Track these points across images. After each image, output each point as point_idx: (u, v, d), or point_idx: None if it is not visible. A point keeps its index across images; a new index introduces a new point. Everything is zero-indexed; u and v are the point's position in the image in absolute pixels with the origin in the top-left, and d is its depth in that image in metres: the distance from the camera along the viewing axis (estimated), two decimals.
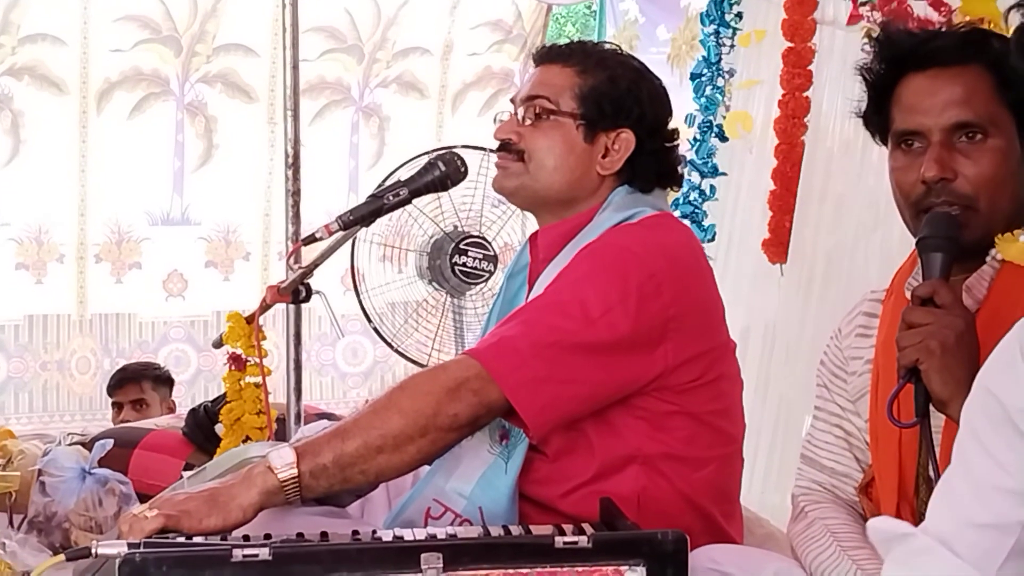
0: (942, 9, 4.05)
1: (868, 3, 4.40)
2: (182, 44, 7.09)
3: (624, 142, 2.95)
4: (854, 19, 4.49)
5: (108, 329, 7.29)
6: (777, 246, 5.25)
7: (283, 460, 2.55)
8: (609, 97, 2.95)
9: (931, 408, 2.28)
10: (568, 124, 2.95)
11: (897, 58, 2.54)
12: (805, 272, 5.18)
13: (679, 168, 3.08)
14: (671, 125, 3.06)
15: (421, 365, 4.61)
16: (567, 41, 3.19)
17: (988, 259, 2.45)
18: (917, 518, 2.47)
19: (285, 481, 2.54)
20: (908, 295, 2.51)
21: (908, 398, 2.29)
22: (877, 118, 2.60)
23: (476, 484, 2.85)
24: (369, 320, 4.64)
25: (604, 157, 2.95)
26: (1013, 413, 1.79)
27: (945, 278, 2.33)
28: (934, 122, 2.46)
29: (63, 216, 7.10)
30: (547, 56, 3.06)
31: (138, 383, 6.21)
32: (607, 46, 3.14)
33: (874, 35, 2.63)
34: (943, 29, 2.63)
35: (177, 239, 7.40)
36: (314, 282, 3.84)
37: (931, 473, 2.31)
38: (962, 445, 1.86)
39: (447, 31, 7.60)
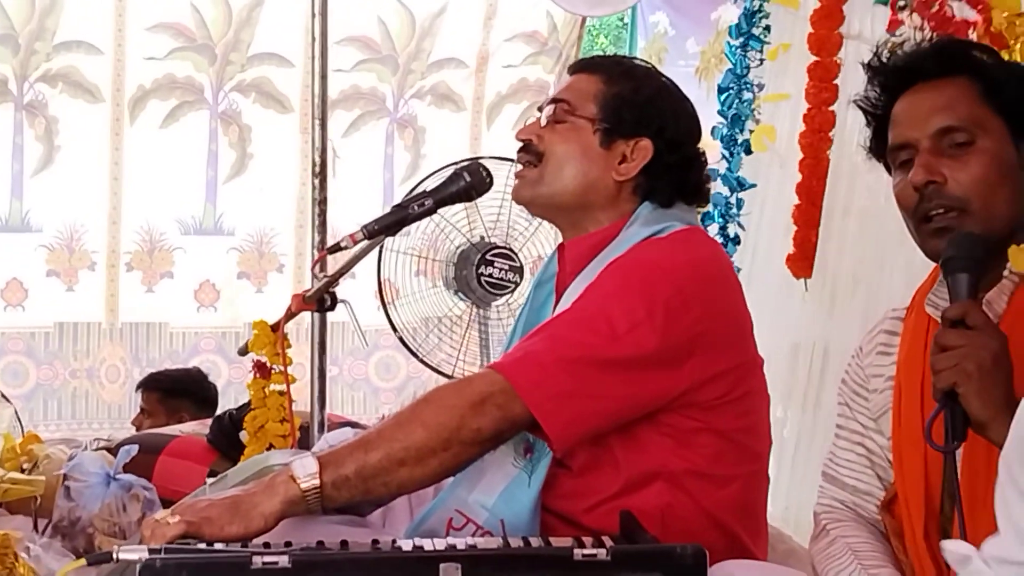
0: (979, 7, 4.04)
1: (907, 7, 4.39)
2: (216, 53, 7.09)
3: (642, 150, 2.94)
4: (894, 25, 4.48)
5: (138, 338, 7.28)
6: (802, 261, 5.23)
7: (306, 470, 2.55)
8: (630, 105, 2.95)
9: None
10: (586, 128, 2.96)
11: (888, 82, 2.60)
12: (829, 287, 5.17)
13: (707, 186, 3.07)
14: (700, 145, 3.06)
15: (447, 376, 4.61)
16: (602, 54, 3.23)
17: (1006, 273, 2.44)
18: (942, 535, 2.46)
19: (307, 491, 2.54)
20: (929, 312, 2.51)
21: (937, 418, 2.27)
22: (877, 143, 2.64)
23: (499, 497, 2.84)
24: (395, 330, 4.64)
25: (621, 164, 2.95)
26: None
27: (973, 297, 2.32)
28: (920, 132, 2.50)
29: (95, 224, 7.10)
30: (578, 66, 3.12)
31: (148, 392, 6.27)
32: (639, 62, 3.18)
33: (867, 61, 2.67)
34: (923, 45, 2.66)
35: (209, 249, 7.39)
36: (348, 296, 3.85)
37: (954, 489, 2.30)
38: (1002, 487, 1.85)
39: (482, 43, 7.59)
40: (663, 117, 2.96)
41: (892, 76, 2.59)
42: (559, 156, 2.98)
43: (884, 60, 2.63)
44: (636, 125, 2.94)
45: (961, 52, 2.58)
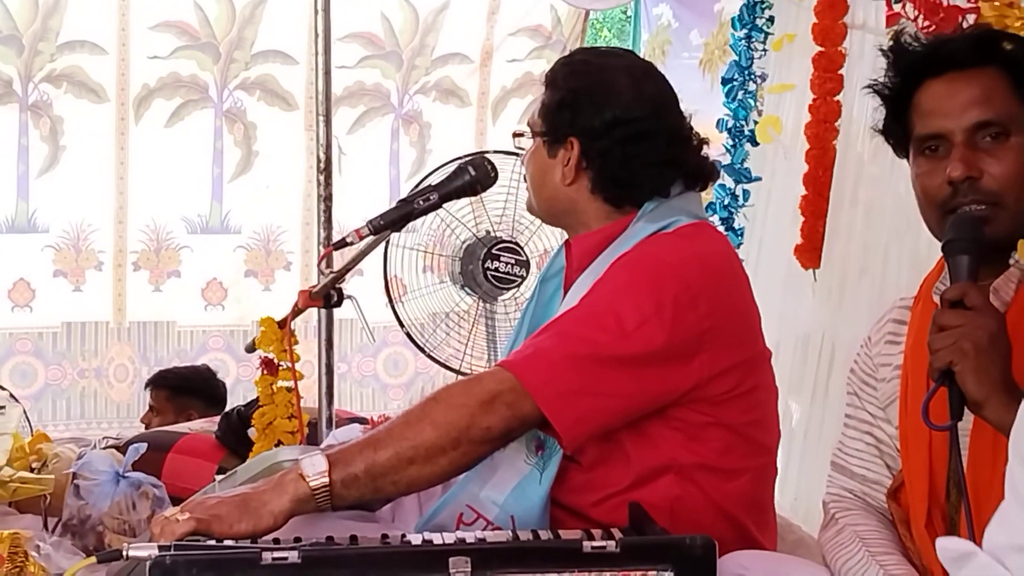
0: None
1: (901, 1, 4.38)
2: (220, 51, 7.08)
3: (574, 149, 2.96)
4: (892, 20, 4.48)
5: (146, 337, 7.27)
6: (810, 251, 5.22)
7: (315, 468, 2.56)
8: (556, 109, 2.99)
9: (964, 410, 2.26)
10: (539, 144, 3.04)
11: (912, 67, 2.56)
12: (837, 277, 5.16)
13: (684, 162, 3.00)
14: (693, 129, 3.04)
15: (455, 371, 4.62)
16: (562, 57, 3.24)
17: (1013, 261, 2.44)
18: (947, 522, 2.47)
19: (316, 489, 2.55)
20: (936, 299, 2.51)
21: (939, 401, 2.27)
22: (896, 128, 2.61)
23: (510, 493, 2.86)
24: (402, 325, 4.64)
25: (566, 168, 2.97)
26: None
27: (973, 280, 2.32)
28: (956, 123, 2.47)
29: (102, 223, 7.09)
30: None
31: (157, 390, 6.28)
32: (575, 55, 3.19)
33: (885, 47, 2.64)
34: (954, 33, 2.64)
35: (216, 247, 7.38)
36: (355, 292, 3.85)
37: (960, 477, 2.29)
38: (1012, 471, 1.84)
39: (486, 37, 7.58)
40: (581, 111, 2.95)
41: (919, 61, 2.55)
42: (530, 177, 3.09)
43: (908, 44, 2.59)
44: (565, 126, 2.97)
45: (995, 42, 2.55)
